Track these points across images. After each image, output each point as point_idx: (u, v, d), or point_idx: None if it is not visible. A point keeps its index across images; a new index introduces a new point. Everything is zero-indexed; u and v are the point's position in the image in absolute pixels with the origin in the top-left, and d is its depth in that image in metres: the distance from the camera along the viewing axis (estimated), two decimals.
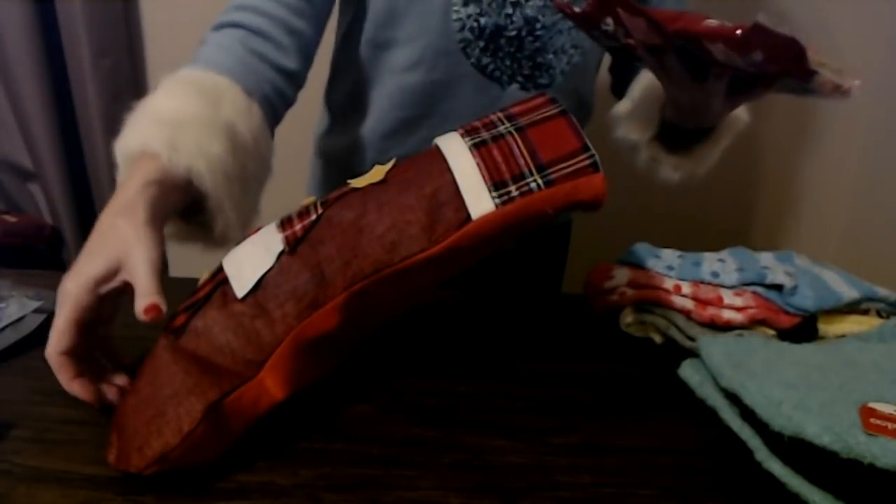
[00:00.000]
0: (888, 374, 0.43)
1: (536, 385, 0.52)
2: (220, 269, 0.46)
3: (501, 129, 0.48)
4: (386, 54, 0.71)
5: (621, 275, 0.63)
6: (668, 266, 0.62)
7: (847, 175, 1.30)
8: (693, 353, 0.52)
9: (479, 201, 0.45)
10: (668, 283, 0.61)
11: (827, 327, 0.58)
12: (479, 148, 0.47)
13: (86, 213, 1.33)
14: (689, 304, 0.59)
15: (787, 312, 0.58)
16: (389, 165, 0.49)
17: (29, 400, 0.47)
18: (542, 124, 0.48)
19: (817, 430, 0.36)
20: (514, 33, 0.67)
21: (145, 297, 0.43)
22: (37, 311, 0.59)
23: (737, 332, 0.57)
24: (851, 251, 1.30)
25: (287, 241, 0.46)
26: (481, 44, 0.68)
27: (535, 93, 0.67)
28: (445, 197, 0.46)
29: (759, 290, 0.58)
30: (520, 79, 0.70)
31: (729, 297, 0.58)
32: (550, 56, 0.70)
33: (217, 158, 0.52)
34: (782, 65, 0.47)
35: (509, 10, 0.67)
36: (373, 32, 0.71)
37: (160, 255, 0.45)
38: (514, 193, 0.45)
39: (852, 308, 0.59)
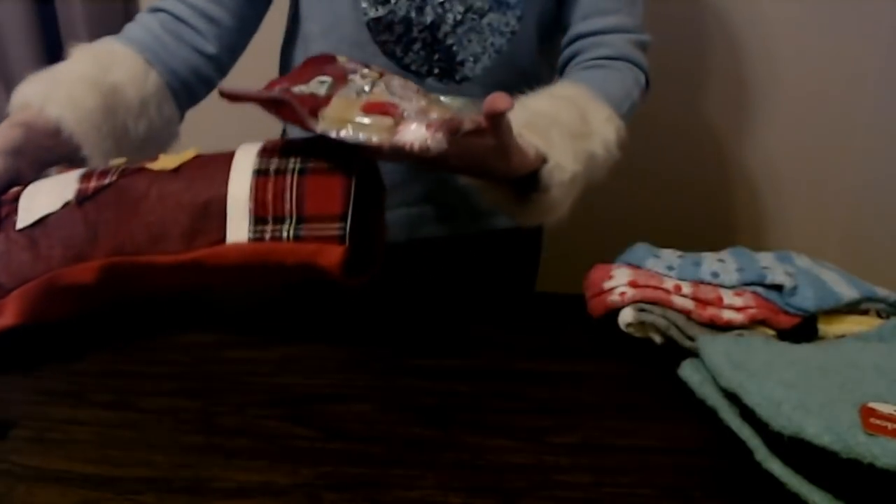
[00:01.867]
0: (888, 374, 0.43)
1: (536, 385, 0.52)
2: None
3: (290, 163, 0.49)
4: (308, 48, 0.72)
5: (621, 275, 0.63)
6: (668, 266, 0.62)
7: (847, 175, 1.30)
8: (693, 353, 0.51)
9: (238, 229, 0.48)
10: (668, 283, 0.60)
11: (827, 327, 0.58)
12: (258, 176, 0.49)
13: None
14: (689, 304, 0.59)
15: (786, 312, 0.57)
16: (190, 155, 0.52)
17: (29, 400, 0.47)
18: (323, 175, 0.49)
19: (817, 430, 0.36)
20: (424, 26, 0.66)
21: None
22: None
23: (737, 332, 0.57)
24: (851, 251, 1.30)
25: (78, 193, 0.50)
26: (393, 36, 0.67)
27: (452, 85, 0.69)
28: (215, 210, 0.49)
29: (759, 290, 0.58)
30: (436, 71, 0.69)
31: (729, 298, 0.58)
32: (466, 50, 0.69)
33: (88, 111, 0.57)
34: (294, 121, 0.49)
35: (419, 3, 0.66)
36: (297, 27, 0.73)
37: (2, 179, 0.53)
38: (267, 235, 0.48)
39: (852, 308, 0.59)
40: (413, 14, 0.66)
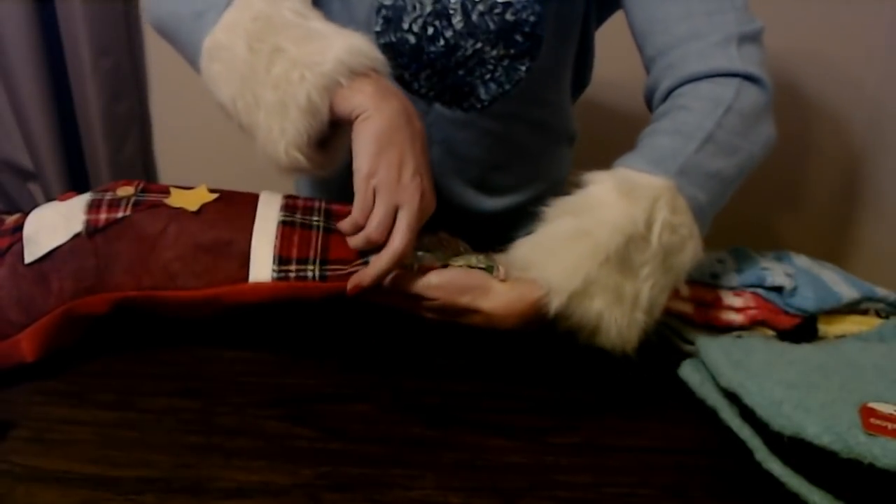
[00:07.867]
0: (888, 374, 0.43)
1: (536, 385, 0.52)
2: (23, 226, 0.50)
3: (314, 220, 0.52)
4: None
5: None
6: None
7: (846, 175, 1.30)
8: (693, 354, 0.52)
9: (261, 270, 0.49)
10: None
11: (827, 327, 0.58)
12: (284, 226, 0.51)
13: None
14: (687, 307, 0.59)
15: (786, 313, 0.57)
16: (211, 197, 0.52)
17: (29, 400, 0.47)
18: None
19: (817, 430, 0.36)
20: (433, 56, 0.65)
21: None
22: None
23: (736, 333, 0.57)
24: (851, 251, 1.30)
25: (87, 225, 0.50)
26: (403, 60, 0.66)
27: (459, 112, 0.68)
28: (237, 251, 0.50)
29: (760, 290, 0.58)
30: (446, 98, 0.68)
31: (728, 298, 0.58)
32: (476, 82, 0.67)
33: None
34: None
35: (430, 32, 0.64)
36: None
37: None
38: (291, 274, 0.49)
39: (852, 308, 0.59)
40: (424, 43, 0.65)
